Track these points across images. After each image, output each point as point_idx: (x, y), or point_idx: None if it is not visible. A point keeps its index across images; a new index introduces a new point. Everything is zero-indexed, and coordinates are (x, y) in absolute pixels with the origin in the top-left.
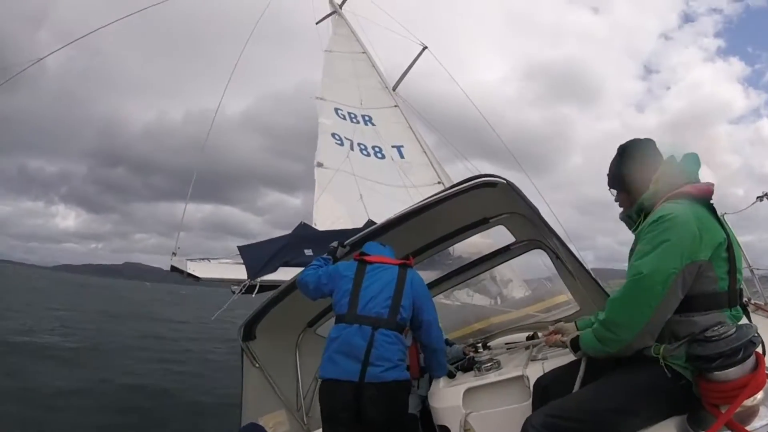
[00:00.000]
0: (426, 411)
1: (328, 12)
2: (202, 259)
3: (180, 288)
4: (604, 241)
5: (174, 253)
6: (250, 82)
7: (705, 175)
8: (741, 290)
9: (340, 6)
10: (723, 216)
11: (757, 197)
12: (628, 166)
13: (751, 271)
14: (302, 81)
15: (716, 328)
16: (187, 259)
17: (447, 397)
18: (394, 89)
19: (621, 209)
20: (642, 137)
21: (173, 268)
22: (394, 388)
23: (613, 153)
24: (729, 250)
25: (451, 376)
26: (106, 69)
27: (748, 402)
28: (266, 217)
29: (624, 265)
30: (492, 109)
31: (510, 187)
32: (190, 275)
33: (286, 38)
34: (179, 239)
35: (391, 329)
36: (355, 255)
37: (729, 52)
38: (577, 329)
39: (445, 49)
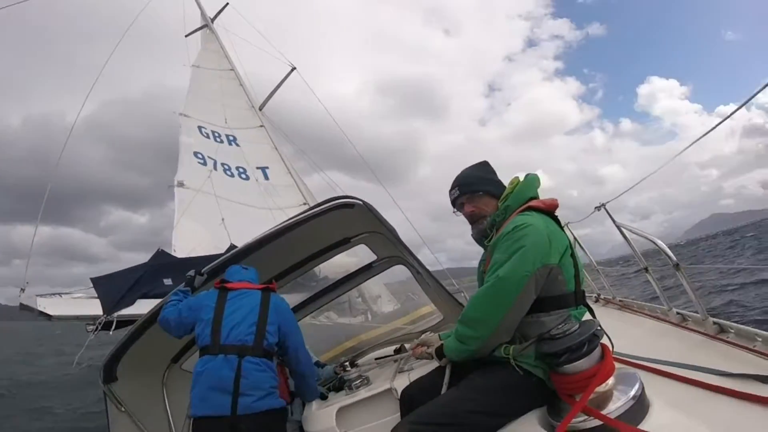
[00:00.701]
0: None
1: (200, 25)
2: (54, 294)
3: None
4: (454, 242)
5: (22, 290)
6: (97, 85)
7: (543, 180)
8: (584, 291)
9: (212, 20)
10: (567, 225)
11: (595, 207)
12: (494, 175)
13: (598, 270)
14: (152, 87)
15: (560, 326)
16: (37, 296)
17: (321, 419)
18: (260, 109)
19: (471, 227)
20: (478, 162)
21: (23, 306)
22: (269, 417)
23: (458, 164)
24: (572, 255)
25: (323, 397)
26: None
27: (600, 388)
28: (110, 238)
29: (473, 263)
30: (349, 122)
31: (366, 207)
32: (41, 313)
33: (143, 42)
34: (27, 273)
35: (258, 356)
36: (215, 283)
37: (567, 73)
38: (440, 339)
39: (306, 60)
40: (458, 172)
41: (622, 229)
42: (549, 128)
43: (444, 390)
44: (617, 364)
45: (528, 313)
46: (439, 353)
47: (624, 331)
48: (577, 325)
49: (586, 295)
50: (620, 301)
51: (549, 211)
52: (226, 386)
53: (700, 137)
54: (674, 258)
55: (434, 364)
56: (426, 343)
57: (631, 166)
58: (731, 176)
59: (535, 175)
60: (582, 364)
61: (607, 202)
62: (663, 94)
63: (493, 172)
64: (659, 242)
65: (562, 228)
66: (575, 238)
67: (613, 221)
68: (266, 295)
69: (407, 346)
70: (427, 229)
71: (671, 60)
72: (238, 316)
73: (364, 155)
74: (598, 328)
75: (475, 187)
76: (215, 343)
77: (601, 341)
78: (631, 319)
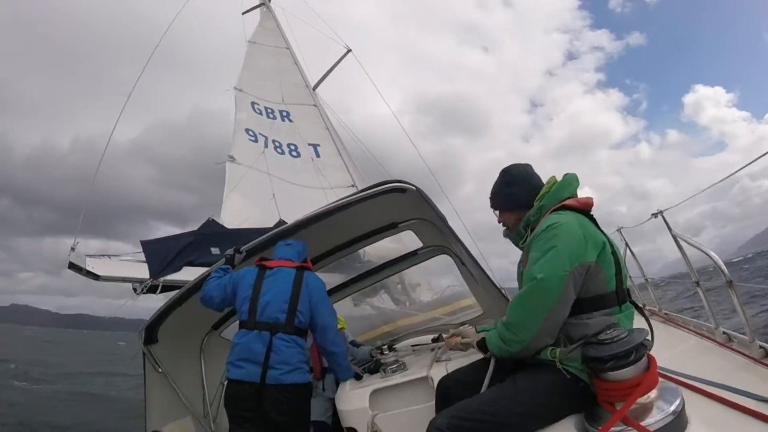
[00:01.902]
0: (336, 416)
1: (257, 3)
2: (103, 255)
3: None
4: (498, 262)
5: (72, 248)
6: (143, 110)
7: (589, 195)
8: (628, 290)
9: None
10: (620, 230)
11: (652, 214)
12: (512, 187)
13: (646, 280)
14: (196, 111)
15: (609, 331)
16: (87, 256)
17: (354, 399)
18: (314, 89)
19: (504, 228)
20: (521, 162)
21: (71, 265)
22: (293, 390)
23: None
24: (613, 253)
25: (358, 378)
26: None
27: (641, 400)
28: None
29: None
30: (389, 142)
31: (419, 193)
32: (89, 273)
33: (182, 65)
34: (77, 235)
35: (289, 333)
36: (255, 260)
37: (609, 85)
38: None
39: (347, 81)
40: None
41: (678, 239)
42: (594, 142)
43: (485, 386)
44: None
45: (571, 315)
46: (481, 345)
47: (667, 346)
48: (626, 332)
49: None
50: (665, 314)
51: (584, 209)
52: (257, 359)
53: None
54: (728, 274)
55: (472, 357)
56: (461, 335)
57: (679, 179)
58: None
59: (573, 174)
60: (627, 372)
61: (666, 209)
62: (709, 103)
63: (513, 183)
64: (714, 255)
65: (599, 227)
66: (627, 244)
67: (670, 230)
68: (300, 274)
69: (444, 336)
70: (471, 248)
71: (714, 66)
72: (272, 294)
73: (405, 176)
74: (647, 338)
75: (495, 204)
76: (251, 320)
77: (648, 352)
78: (676, 334)
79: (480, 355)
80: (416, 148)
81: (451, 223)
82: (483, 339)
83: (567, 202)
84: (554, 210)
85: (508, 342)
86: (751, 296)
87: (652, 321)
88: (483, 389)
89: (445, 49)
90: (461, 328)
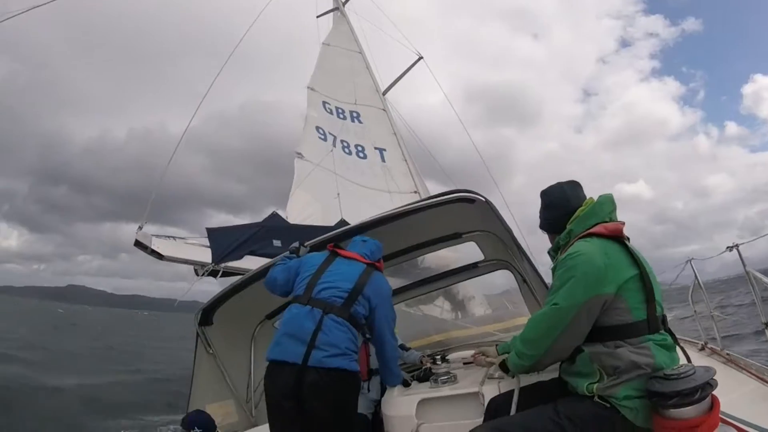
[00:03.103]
0: (377, 417)
1: (332, 7)
2: (168, 237)
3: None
4: (547, 258)
5: (140, 227)
6: (196, 101)
7: (644, 191)
8: (664, 317)
9: (344, 4)
10: (690, 261)
11: (727, 247)
12: (548, 210)
13: (712, 317)
14: (246, 102)
15: (676, 367)
16: (153, 235)
17: (401, 405)
18: (384, 93)
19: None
20: (565, 181)
21: (137, 243)
22: (337, 376)
23: (553, 174)
24: (645, 281)
25: (407, 385)
26: (52, 84)
27: None
28: None
29: None
30: (438, 132)
31: (488, 205)
32: (153, 252)
33: (235, 59)
34: (147, 212)
35: (343, 317)
36: (328, 246)
37: (664, 73)
38: (497, 352)
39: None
40: (552, 182)
41: (752, 277)
42: (649, 133)
43: (513, 408)
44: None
45: (598, 341)
46: (503, 366)
47: (727, 388)
48: (693, 369)
49: (692, 341)
50: (727, 354)
51: (613, 236)
52: (304, 337)
53: None
54: None
55: (526, 380)
56: (485, 354)
57: (738, 174)
58: None
59: (608, 196)
60: (690, 411)
61: (742, 243)
62: None
63: (548, 207)
64: None
65: (631, 251)
66: (696, 276)
67: (744, 266)
68: (369, 269)
69: (470, 354)
70: (519, 240)
71: None
72: (336, 278)
73: (454, 165)
74: (713, 378)
75: (540, 226)
76: (306, 295)
77: (712, 392)
78: (735, 376)
79: (532, 380)
80: (472, 142)
81: (502, 213)
82: (504, 360)
83: (594, 229)
84: (582, 236)
85: (521, 356)
86: None
87: (712, 359)
88: (512, 410)
89: (493, 35)
90: (483, 348)
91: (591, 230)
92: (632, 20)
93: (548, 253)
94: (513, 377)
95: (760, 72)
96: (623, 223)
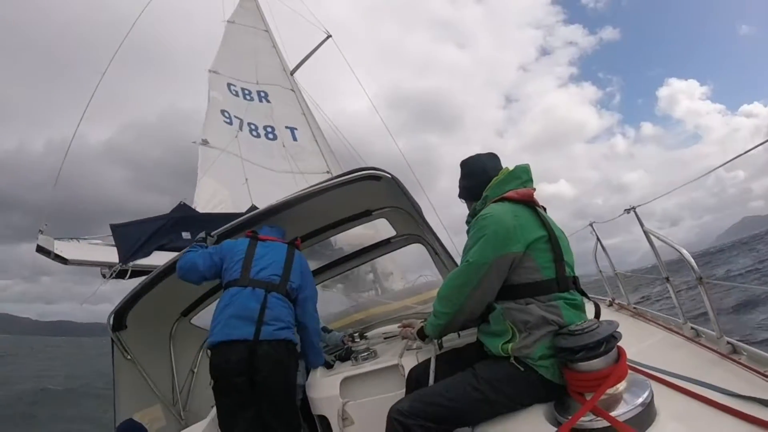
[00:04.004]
0: (305, 402)
1: None
2: (72, 238)
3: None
4: None
5: (41, 231)
6: (113, 109)
7: (565, 190)
8: (575, 278)
9: None
10: (592, 224)
11: (625, 210)
12: (466, 179)
13: (615, 274)
14: (167, 111)
15: (580, 322)
16: (55, 239)
17: (325, 386)
18: (292, 73)
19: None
20: (484, 153)
21: (39, 248)
22: (285, 347)
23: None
24: (553, 243)
25: (329, 366)
26: None
27: (611, 391)
28: None
29: None
30: (362, 138)
31: (394, 181)
32: (57, 257)
33: (152, 64)
34: (45, 216)
35: (282, 294)
36: (247, 232)
37: (582, 78)
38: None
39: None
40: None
41: (650, 236)
42: (569, 135)
43: (431, 378)
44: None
45: (510, 299)
46: (420, 333)
47: (635, 339)
48: (597, 323)
49: (600, 298)
50: (634, 308)
51: (524, 201)
52: (251, 315)
53: (745, 152)
54: (698, 271)
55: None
56: (411, 325)
57: (655, 171)
58: (759, 177)
59: (524, 166)
60: (597, 363)
61: (638, 205)
62: (683, 96)
63: (467, 176)
64: (684, 252)
65: (542, 217)
66: (597, 239)
67: (642, 226)
68: (292, 249)
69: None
70: (447, 243)
71: (688, 60)
72: (267, 260)
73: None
74: (617, 330)
75: (459, 195)
76: (245, 277)
77: (617, 344)
78: (644, 328)
79: (447, 346)
80: (393, 140)
81: (428, 218)
82: (422, 327)
83: (507, 194)
84: (495, 201)
85: (437, 315)
86: (725, 290)
87: (621, 314)
88: (430, 381)
89: (418, 44)
90: (409, 319)
91: (503, 195)
92: (552, 29)
93: (466, 221)
94: (430, 342)
95: (674, 75)
96: (534, 190)
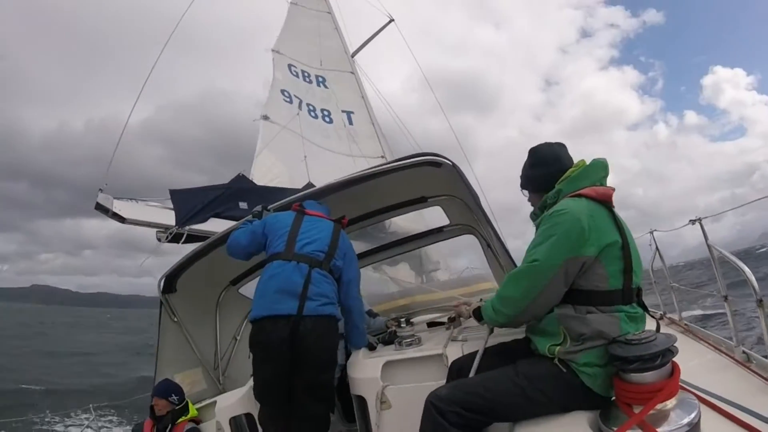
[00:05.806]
0: (343, 381)
1: None
2: (130, 198)
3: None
4: (513, 243)
5: (101, 189)
6: (152, 89)
7: (610, 186)
8: (639, 289)
9: None
10: (652, 232)
11: (690, 220)
12: (537, 168)
13: (671, 286)
14: (206, 91)
15: (638, 333)
16: (114, 198)
17: (366, 368)
18: (353, 56)
19: (532, 209)
20: (554, 142)
21: (98, 206)
22: (329, 322)
23: (514, 161)
24: (625, 251)
25: (372, 348)
26: (8, 76)
27: (660, 406)
28: None
29: None
30: (395, 119)
31: (455, 169)
32: (115, 215)
33: (192, 46)
34: (108, 173)
35: (325, 270)
36: (294, 206)
37: (623, 62)
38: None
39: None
40: (514, 167)
41: (713, 250)
42: (609, 121)
43: (473, 370)
44: None
45: (570, 304)
46: (476, 313)
47: (683, 356)
48: (655, 335)
49: (651, 311)
50: (685, 324)
51: (601, 200)
52: (295, 290)
53: None
54: (759, 292)
55: (489, 342)
56: (468, 304)
57: (698, 163)
58: None
59: (602, 161)
60: (650, 376)
61: (705, 217)
62: (728, 85)
63: (538, 165)
64: (748, 272)
65: (617, 220)
66: (657, 248)
67: (706, 240)
68: (338, 227)
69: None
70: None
71: (734, 48)
72: (312, 235)
73: (413, 150)
74: (674, 344)
75: (523, 184)
76: (288, 251)
77: (673, 359)
78: (693, 346)
79: (495, 341)
80: (447, 119)
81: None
82: (479, 308)
83: (584, 191)
84: (570, 197)
85: (497, 312)
86: None
87: (670, 330)
88: (471, 373)
89: (454, 24)
90: (468, 299)
91: (580, 191)
92: (593, 10)
93: (531, 215)
94: (485, 324)
95: (720, 64)
96: (613, 189)
